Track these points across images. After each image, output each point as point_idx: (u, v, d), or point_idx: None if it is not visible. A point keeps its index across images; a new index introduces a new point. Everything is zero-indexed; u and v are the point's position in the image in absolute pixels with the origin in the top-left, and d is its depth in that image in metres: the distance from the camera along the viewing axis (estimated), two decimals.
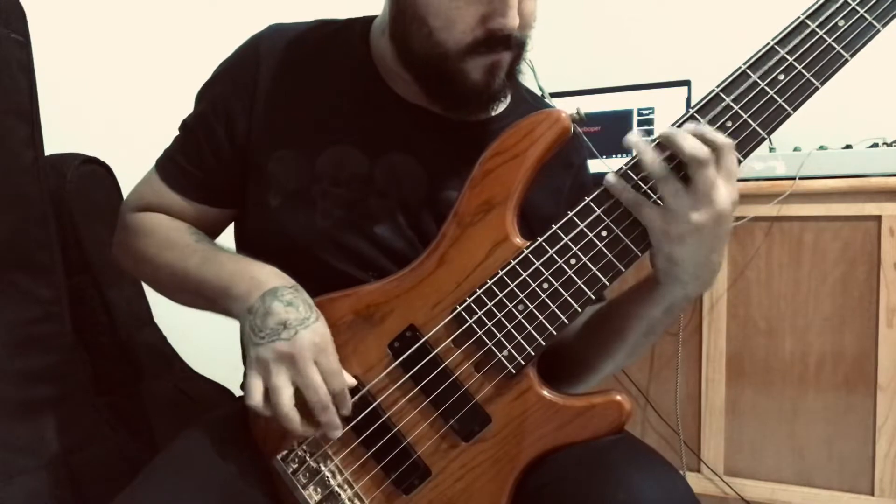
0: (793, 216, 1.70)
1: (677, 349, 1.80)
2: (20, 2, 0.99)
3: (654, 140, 0.76)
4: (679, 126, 0.76)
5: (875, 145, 1.71)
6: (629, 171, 0.78)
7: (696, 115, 0.77)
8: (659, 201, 0.76)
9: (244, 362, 0.99)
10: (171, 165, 0.96)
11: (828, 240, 1.68)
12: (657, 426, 1.86)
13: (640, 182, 0.77)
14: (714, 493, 1.79)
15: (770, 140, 1.85)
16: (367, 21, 0.96)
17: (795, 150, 1.76)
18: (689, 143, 0.73)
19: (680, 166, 0.75)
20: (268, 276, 0.84)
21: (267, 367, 0.79)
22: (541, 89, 1.92)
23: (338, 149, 0.90)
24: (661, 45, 2.23)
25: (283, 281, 0.84)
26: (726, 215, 0.75)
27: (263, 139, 0.91)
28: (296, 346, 0.78)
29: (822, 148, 1.73)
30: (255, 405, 0.79)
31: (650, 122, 1.99)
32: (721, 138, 0.73)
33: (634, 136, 0.77)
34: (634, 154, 0.77)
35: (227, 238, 1.01)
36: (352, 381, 0.82)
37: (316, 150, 0.90)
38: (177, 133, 0.98)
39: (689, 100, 1.97)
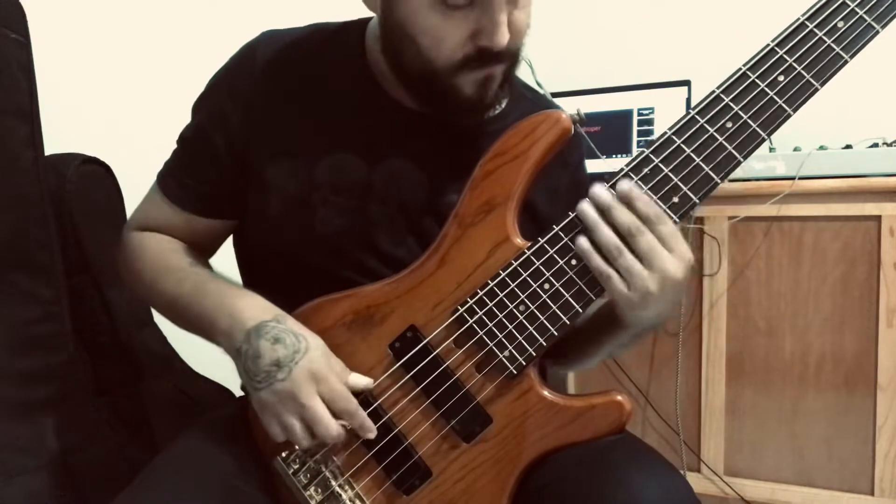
0: (793, 216, 1.69)
1: (677, 349, 1.80)
2: (20, 2, 0.99)
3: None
4: (612, 183, 0.78)
5: (875, 145, 1.71)
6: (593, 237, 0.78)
7: (696, 116, 0.77)
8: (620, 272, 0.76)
9: None
10: (170, 179, 0.95)
11: (828, 240, 1.68)
12: (657, 426, 1.86)
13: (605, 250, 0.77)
14: (714, 493, 1.79)
15: (770, 140, 1.85)
16: (363, 24, 0.95)
17: (795, 150, 1.76)
18: (622, 213, 0.75)
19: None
20: (250, 310, 0.83)
21: (274, 410, 0.79)
22: (539, 86, 1.92)
23: (336, 156, 0.90)
24: (661, 45, 2.22)
25: (265, 314, 0.83)
26: (679, 281, 0.76)
27: (261, 147, 0.90)
28: (294, 384, 0.78)
29: (822, 148, 1.73)
30: (281, 442, 0.81)
31: (650, 122, 1.99)
32: (647, 209, 0.75)
33: (587, 207, 0.78)
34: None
35: (227, 245, 1.01)
36: (364, 382, 0.82)
37: (314, 158, 0.90)
38: (175, 146, 0.97)
39: (689, 100, 1.97)
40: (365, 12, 0.95)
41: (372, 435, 0.81)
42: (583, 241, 0.77)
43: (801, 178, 1.66)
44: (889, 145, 1.68)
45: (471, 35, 0.79)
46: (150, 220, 0.97)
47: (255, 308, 0.83)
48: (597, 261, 0.76)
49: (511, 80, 0.88)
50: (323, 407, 0.79)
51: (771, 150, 1.80)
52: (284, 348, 0.79)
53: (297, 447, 0.83)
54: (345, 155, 0.90)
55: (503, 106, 0.94)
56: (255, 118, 0.90)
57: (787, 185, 1.66)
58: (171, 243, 0.95)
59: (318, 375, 0.79)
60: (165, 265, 0.92)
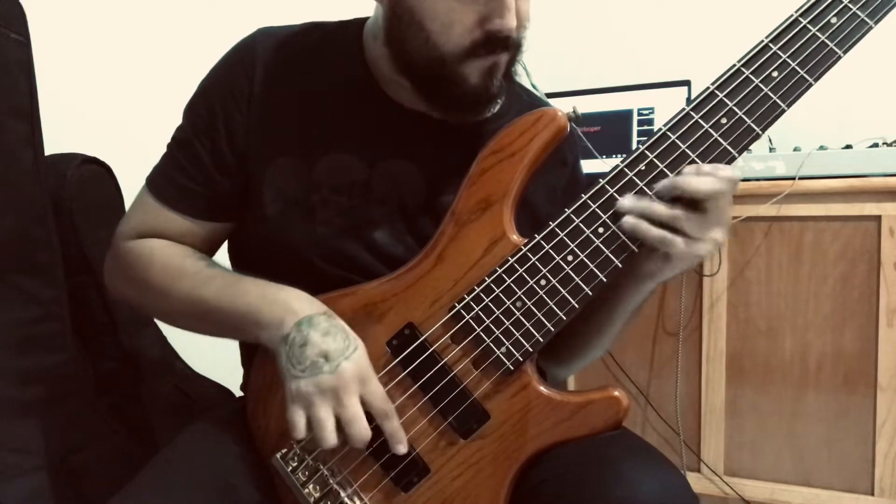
0: (793, 216, 1.69)
1: (677, 349, 1.80)
2: (20, 2, 1.00)
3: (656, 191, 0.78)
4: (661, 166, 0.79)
5: (875, 145, 1.70)
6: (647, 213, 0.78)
7: (691, 112, 0.78)
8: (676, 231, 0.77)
9: (243, 363, 0.99)
10: (167, 184, 0.92)
11: (828, 240, 1.68)
12: (657, 426, 1.86)
13: (658, 220, 0.77)
14: (714, 493, 1.79)
15: (770, 140, 1.86)
16: (360, 24, 0.94)
17: (795, 150, 1.75)
18: (707, 182, 0.76)
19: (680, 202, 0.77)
20: (300, 302, 0.83)
21: (310, 401, 0.78)
22: (534, 88, 1.92)
23: (335, 156, 0.90)
24: (660, 45, 2.22)
25: (316, 307, 0.83)
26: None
27: (260, 146, 0.90)
28: (340, 379, 0.78)
29: (822, 148, 1.73)
30: (301, 438, 0.79)
31: (650, 122, 1.99)
32: (729, 172, 0.78)
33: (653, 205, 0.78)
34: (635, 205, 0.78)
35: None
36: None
37: (313, 158, 0.89)
38: (167, 150, 0.94)
39: (688, 100, 1.97)
40: (361, 11, 0.96)
41: (403, 449, 0.80)
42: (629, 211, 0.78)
43: (801, 178, 1.66)
44: (889, 145, 1.67)
45: (479, 20, 0.80)
46: (145, 228, 0.93)
47: (304, 301, 0.83)
48: (655, 232, 0.77)
49: (511, 73, 0.88)
50: (360, 408, 0.78)
51: (771, 150, 1.80)
52: (335, 342, 0.79)
53: (294, 445, 0.83)
54: (344, 155, 0.90)
55: (500, 105, 0.94)
56: (255, 117, 0.90)
57: (787, 185, 1.66)
58: (179, 248, 0.92)
59: (364, 376, 0.79)
60: (181, 269, 0.89)
